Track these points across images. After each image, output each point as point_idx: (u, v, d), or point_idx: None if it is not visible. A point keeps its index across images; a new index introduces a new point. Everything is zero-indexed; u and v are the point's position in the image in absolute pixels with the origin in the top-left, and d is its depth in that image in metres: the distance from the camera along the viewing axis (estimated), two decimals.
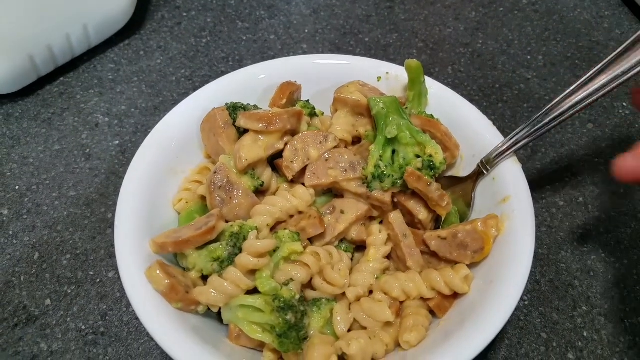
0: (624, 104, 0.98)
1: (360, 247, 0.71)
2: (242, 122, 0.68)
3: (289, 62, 0.81)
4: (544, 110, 0.65)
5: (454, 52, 1.08)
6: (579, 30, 1.12)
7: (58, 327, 0.71)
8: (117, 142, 0.92)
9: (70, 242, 0.79)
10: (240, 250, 0.61)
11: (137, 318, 0.72)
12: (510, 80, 1.03)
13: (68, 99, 0.98)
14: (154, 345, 0.70)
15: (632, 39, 0.59)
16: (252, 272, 0.61)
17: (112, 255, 0.78)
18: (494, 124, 0.73)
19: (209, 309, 0.62)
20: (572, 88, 0.63)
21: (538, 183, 0.87)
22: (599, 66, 0.61)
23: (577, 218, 0.83)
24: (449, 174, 0.76)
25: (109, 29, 1.03)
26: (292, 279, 0.60)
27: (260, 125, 0.67)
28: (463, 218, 0.72)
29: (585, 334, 0.71)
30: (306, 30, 1.12)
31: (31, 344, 0.70)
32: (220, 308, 0.61)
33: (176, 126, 0.73)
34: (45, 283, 0.75)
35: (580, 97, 0.62)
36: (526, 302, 0.74)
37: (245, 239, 0.62)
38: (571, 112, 0.63)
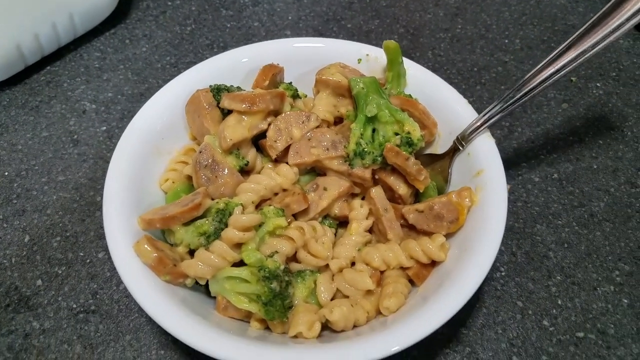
0: (598, 84, 1.01)
1: (343, 223, 0.73)
2: (225, 103, 0.70)
3: (271, 45, 0.83)
4: (516, 86, 0.68)
5: (434, 37, 1.10)
6: (555, 15, 1.15)
7: (49, 306, 0.73)
8: (104, 128, 0.93)
9: (60, 224, 0.81)
10: (226, 226, 0.63)
11: (127, 296, 0.74)
12: (488, 63, 1.05)
13: (55, 87, 0.99)
14: (144, 321, 0.72)
15: (597, 15, 0.62)
16: (237, 246, 0.63)
17: (101, 237, 0.80)
18: (472, 105, 0.76)
19: (196, 282, 0.64)
20: (541, 64, 0.66)
21: (514, 161, 0.90)
22: (566, 42, 0.64)
23: (552, 193, 0.86)
24: (428, 151, 0.78)
25: (94, 18, 1.04)
26: (277, 252, 0.62)
27: (244, 105, 0.69)
28: (441, 193, 0.74)
29: (559, 302, 0.74)
30: (289, 17, 1.14)
31: (23, 323, 0.71)
32: (207, 281, 0.63)
33: (161, 108, 0.75)
34: (36, 264, 0.77)
35: (549, 72, 0.65)
36: (503, 273, 0.77)
37: (231, 214, 0.64)
38: (541, 87, 0.66)
